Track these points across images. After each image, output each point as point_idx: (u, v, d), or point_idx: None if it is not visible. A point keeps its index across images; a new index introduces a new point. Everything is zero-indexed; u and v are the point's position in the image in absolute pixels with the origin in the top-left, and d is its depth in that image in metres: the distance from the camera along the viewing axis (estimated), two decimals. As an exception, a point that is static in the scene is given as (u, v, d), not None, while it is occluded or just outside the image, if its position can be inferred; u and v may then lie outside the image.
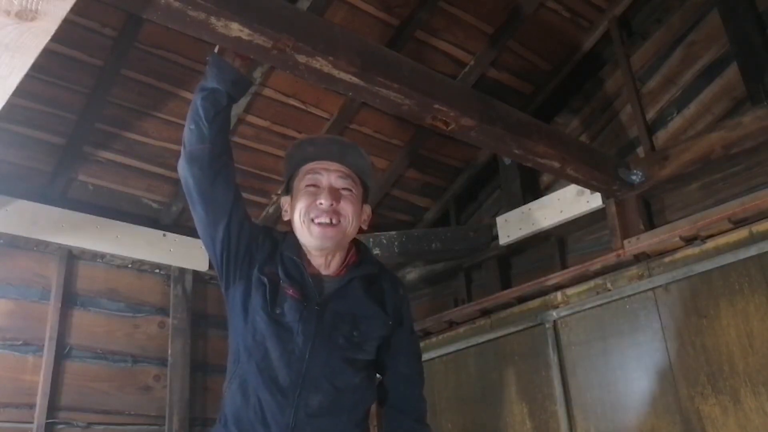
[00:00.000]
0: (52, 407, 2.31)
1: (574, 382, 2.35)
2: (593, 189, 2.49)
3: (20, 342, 2.33)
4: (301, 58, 1.60)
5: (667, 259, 2.24)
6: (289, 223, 1.71)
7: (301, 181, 1.69)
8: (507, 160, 2.99)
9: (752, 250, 2.03)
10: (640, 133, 2.59)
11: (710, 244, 2.14)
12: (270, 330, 1.59)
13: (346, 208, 1.66)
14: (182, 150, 1.61)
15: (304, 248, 1.68)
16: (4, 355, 2.28)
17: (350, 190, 1.69)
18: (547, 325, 2.46)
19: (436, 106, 1.87)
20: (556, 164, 2.23)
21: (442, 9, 2.50)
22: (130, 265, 2.66)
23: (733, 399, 1.98)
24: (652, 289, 2.23)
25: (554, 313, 2.45)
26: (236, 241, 1.63)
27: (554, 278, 2.49)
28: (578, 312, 2.40)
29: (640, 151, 2.64)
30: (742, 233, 2.08)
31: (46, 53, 1.31)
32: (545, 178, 3.04)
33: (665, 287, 2.20)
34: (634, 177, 2.43)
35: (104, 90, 2.27)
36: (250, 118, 2.58)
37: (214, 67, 1.58)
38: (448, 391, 2.74)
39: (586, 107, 2.99)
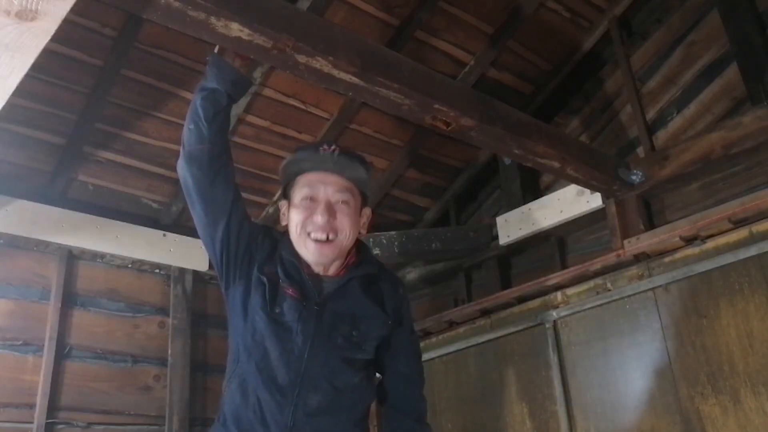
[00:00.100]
0: (52, 407, 2.31)
1: (574, 382, 2.35)
2: (593, 189, 2.49)
3: (20, 342, 2.33)
4: (301, 58, 1.60)
5: (667, 259, 2.24)
6: (287, 227, 1.70)
7: (299, 192, 1.66)
8: (507, 160, 2.99)
9: (752, 250, 2.03)
10: (640, 133, 2.59)
11: (710, 244, 2.14)
12: (269, 329, 1.59)
13: (343, 222, 1.64)
14: (181, 150, 1.61)
15: None
16: (4, 355, 2.28)
17: (347, 203, 1.66)
18: (547, 325, 2.46)
19: (436, 106, 1.87)
20: (556, 164, 2.23)
21: (442, 9, 2.50)
22: (130, 265, 2.66)
23: (733, 399, 1.98)
24: (652, 289, 2.23)
25: (554, 313, 2.45)
26: (236, 240, 1.63)
27: (554, 278, 2.49)
28: (578, 312, 2.40)
29: (640, 151, 2.64)
30: (742, 233, 2.08)
31: (46, 53, 1.31)
32: (545, 178, 3.04)
33: (665, 287, 2.20)
34: (634, 177, 2.42)
35: (104, 90, 2.27)
36: (250, 118, 2.58)
37: (214, 67, 1.59)
38: (448, 391, 2.74)
39: (586, 107, 2.99)
